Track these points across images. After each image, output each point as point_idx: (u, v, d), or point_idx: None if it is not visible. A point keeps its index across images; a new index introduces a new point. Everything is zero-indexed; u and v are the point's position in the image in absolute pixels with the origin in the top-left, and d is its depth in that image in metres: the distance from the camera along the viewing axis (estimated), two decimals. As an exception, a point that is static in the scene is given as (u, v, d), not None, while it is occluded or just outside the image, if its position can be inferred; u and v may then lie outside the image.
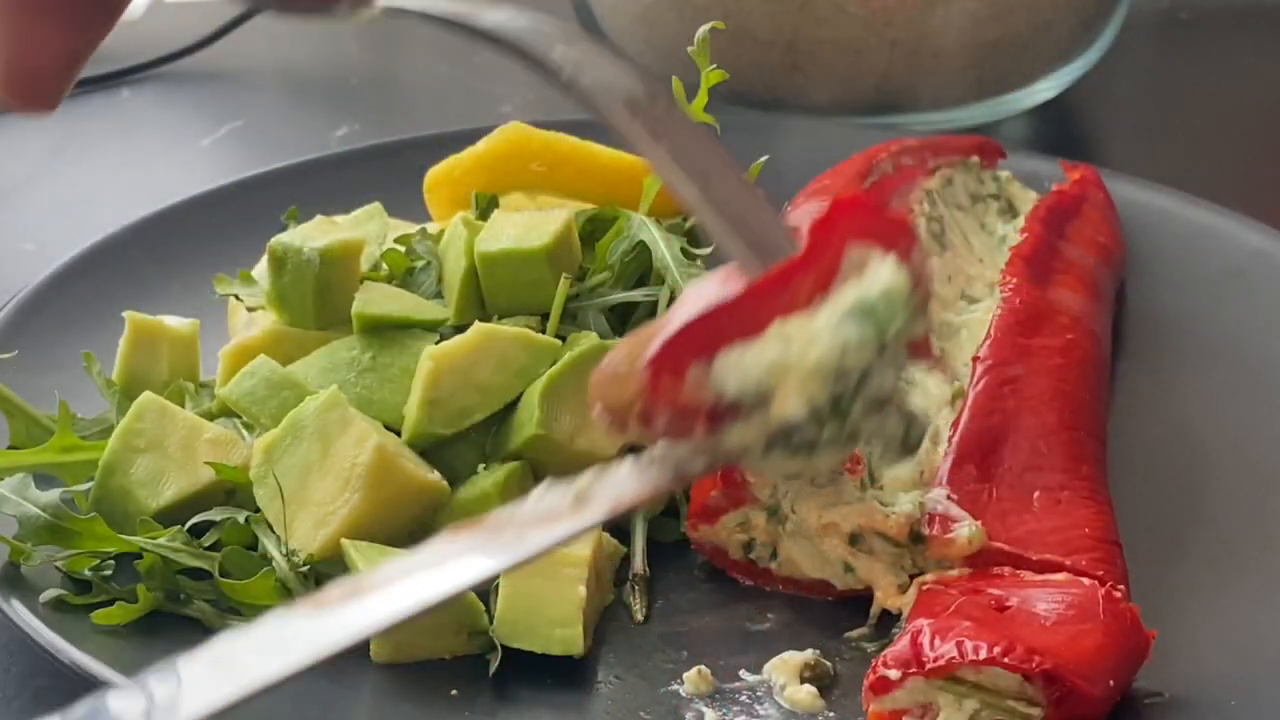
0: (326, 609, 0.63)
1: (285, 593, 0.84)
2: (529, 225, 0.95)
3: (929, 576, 0.84)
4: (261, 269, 0.97)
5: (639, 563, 0.88)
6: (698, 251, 0.97)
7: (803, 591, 0.88)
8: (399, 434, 0.89)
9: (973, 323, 0.95)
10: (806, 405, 0.65)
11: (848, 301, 0.66)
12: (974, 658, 0.76)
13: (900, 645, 0.78)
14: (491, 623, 0.83)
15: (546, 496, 0.67)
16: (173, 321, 0.96)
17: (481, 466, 0.89)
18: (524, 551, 0.65)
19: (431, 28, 0.72)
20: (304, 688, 0.81)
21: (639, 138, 0.66)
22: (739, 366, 0.66)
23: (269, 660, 0.61)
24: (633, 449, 0.74)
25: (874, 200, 0.69)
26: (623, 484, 0.67)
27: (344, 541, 0.84)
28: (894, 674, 0.77)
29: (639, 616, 0.86)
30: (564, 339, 0.93)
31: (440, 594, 0.64)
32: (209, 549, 0.86)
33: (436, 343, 0.91)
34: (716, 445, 0.67)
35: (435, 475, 0.88)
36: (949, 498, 0.85)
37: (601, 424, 0.69)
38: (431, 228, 1.02)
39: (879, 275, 0.66)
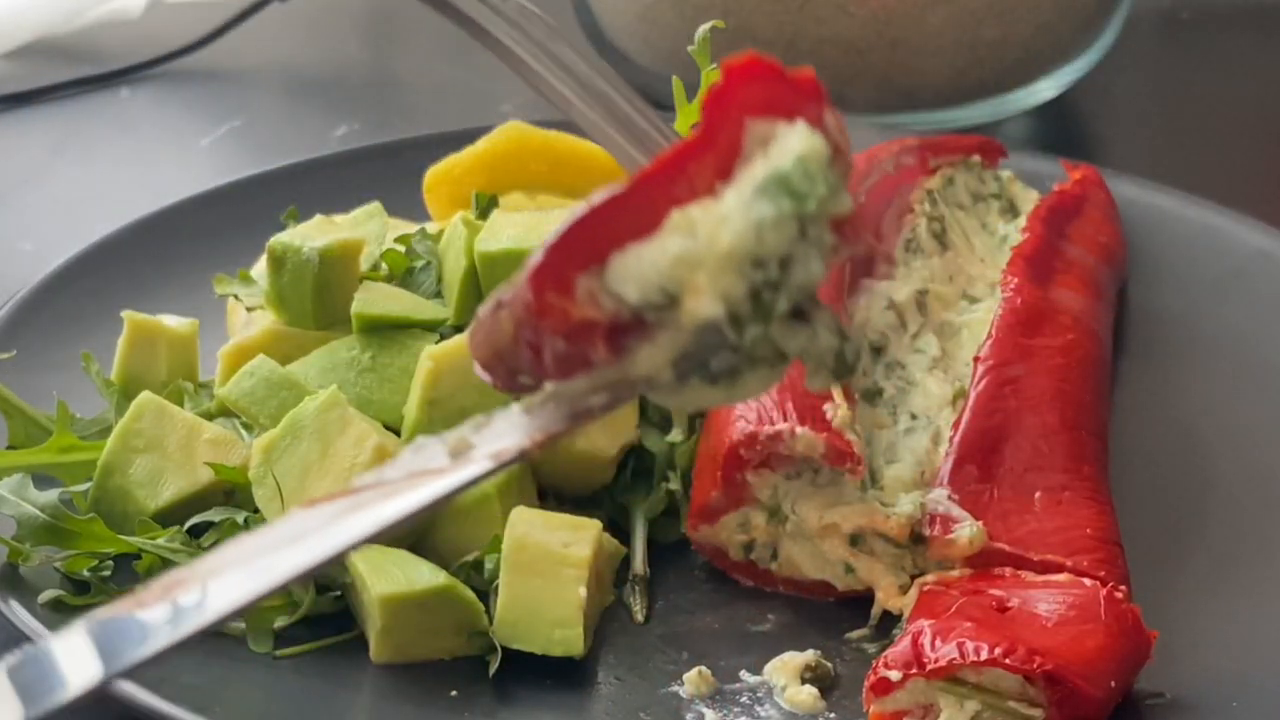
0: (147, 608, 0.57)
1: (284, 593, 0.84)
2: (529, 225, 0.95)
3: (930, 577, 0.84)
4: (260, 269, 0.97)
5: (639, 563, 0.88)
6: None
7: (803, 592, 0.88)
8: (398, 434, 0.89)
9: (974, 322, 0.95)
10: (722, 301, 0.56)
11: (758, 177, 0.57)
12: (975, 659, 0.76)
13: (901, 646, 0.77)
14: (491, 623, 0.83)
15: (421, 452, 0.59)
16: (171, 321, 0.96)
17: (481, 467, 0.88)
18: (386, 518, 0.56)
19: None
20: (304, 688, 0.81)
21: (516, 52, 0.64)
22: (637, 267, 0.57)
23: None
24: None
25: (770, 63, 0.57)
26: (507, 431, 0.58)
27: (343, 542, 0.84)
28: (895, 675, 0.77)
29: (639, 617, 0.86)
30: (564, 339, 0.92)
31: (285, 575, 0.56)
32: (208, 549, 0.86)
33: (436, 342, 0.91)
34: (620, 373, 0.58)
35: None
36: (950, 498, 0.85)
37: (486, 378, 0.60)
38: (431, 227, 1.01)
39: (789, 143, 0.57)
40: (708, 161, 0.58)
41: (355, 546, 0.56)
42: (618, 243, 0.57)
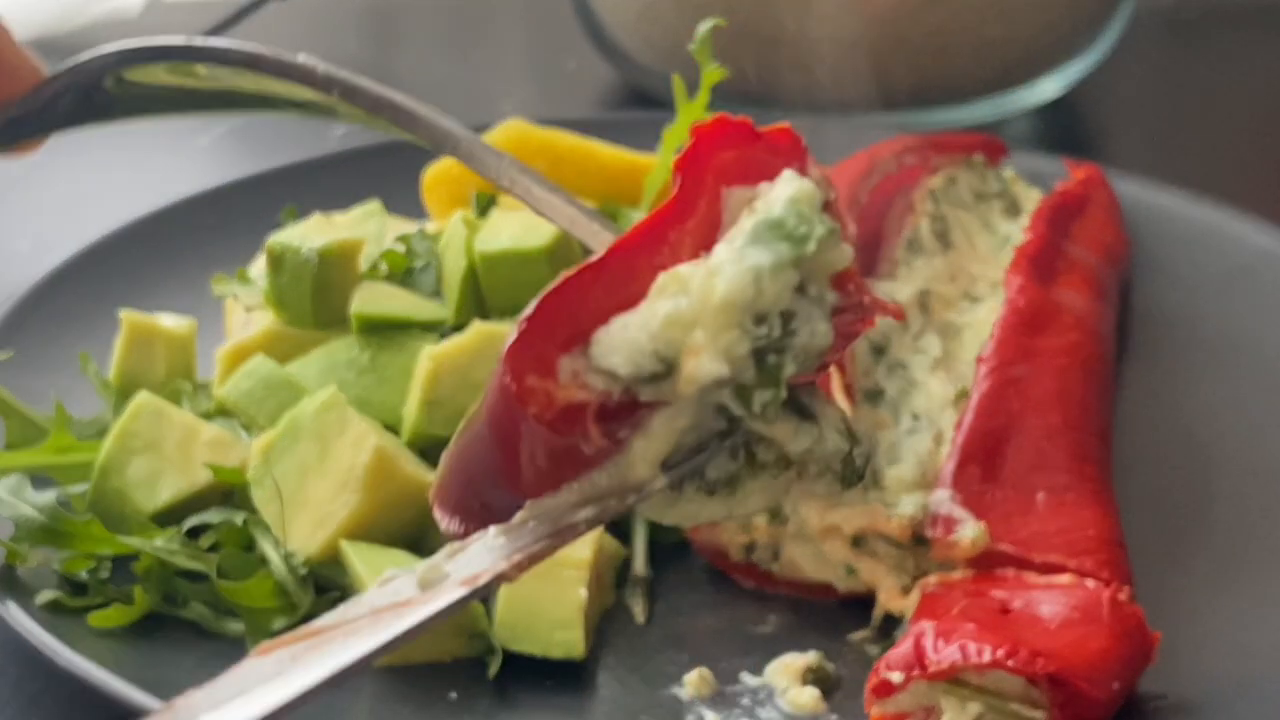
0: None
1: (283, 595, 0.83)
2: (528, 225, 0.94)
3: (932, 578, 0.84)
4: (259, 268, 0.97)
5: (640, 564, 0.88)
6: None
7: (804, 594, 0.88)
8: (398, 434, 0.89)
9: (976, 323, 0.95)
10: (724, 359, 0.51)
11: (748, 228, 0.52)
12: (978, 660, 0.75)
13: (903, 648, 0.77)
14: (491, 625, 0.82)
15: (388, 585, 0.54)
16: (169, 321, 0.96)
17: (481, 467, 0.88)
18: (342, 663, 0.50)
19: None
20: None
21: (490, 164, 0.62)
22: (624, 336, 0.51)
23: None
24: None
25: (742, 124, 0.52)
26: (483, 556, 0.53)
27: (343, 543, 0.84)
28: (897, 677, 0.76)
29: (640, 619, 0.86)
30: (564, 339, 0.92)
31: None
32: (207, 551, 0.86)
33: (436, 342, 0.91)
34: (610, 479, 0.52)
35: (435, 476, 0.87)
36: (953, 499, 0.84)
37: (453, 528, 0.53)
38: (431, 227, 1.01)
39: (778, 191, 0.52)
40: (688, 229, 0.53)
41: (310, 698, 0.50)
42: (600, 315, 0.52)
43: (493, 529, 0.53)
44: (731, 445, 0.53)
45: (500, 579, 0.52)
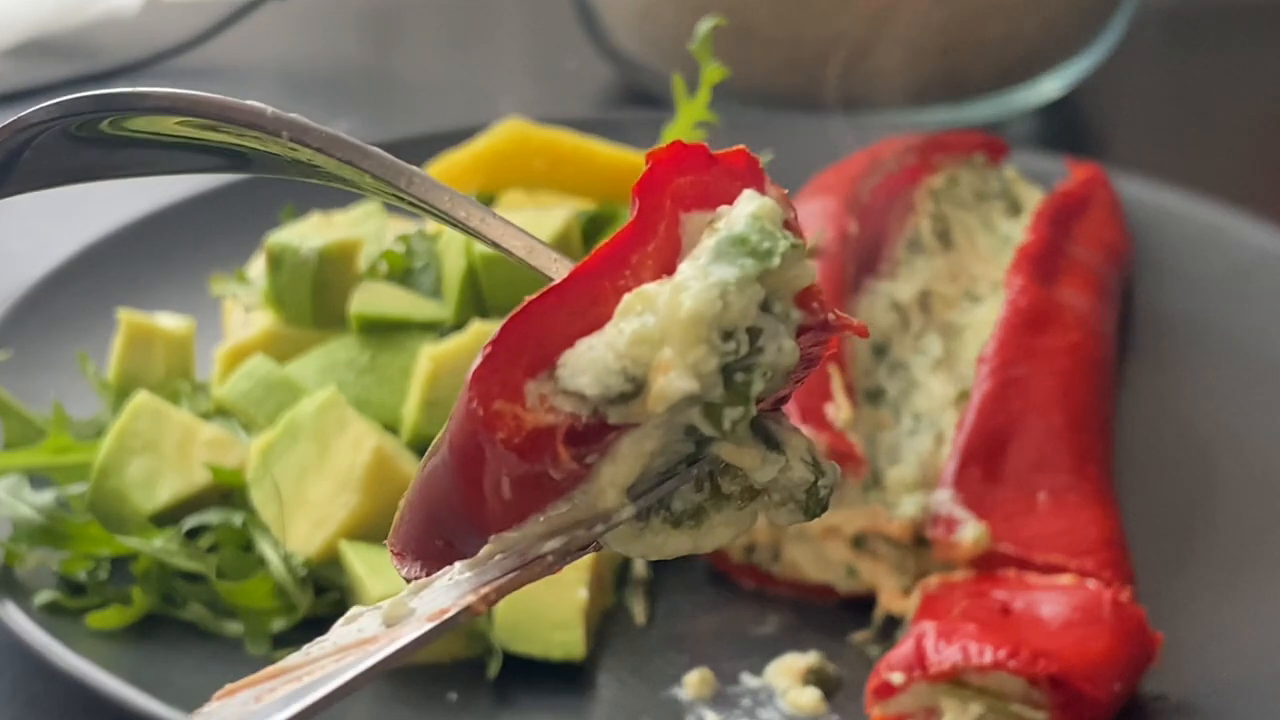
0: None
1: (282, 596, 0.83)
2: (528, 224, 0.94)
3: (933, 579, 0.83)
4: (258, 268, 0.97)
5: (640, 565, 0.88)
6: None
7: (805, 595, 0.88)
8: (398, 434, 0.89)
9: (977, 323, 0.94)
10: (693, 374, 0.50)
11: (710, 246, 0.52)
12: (979, 661, 0.75)
13: (904, 649, 0.77)
14: (491, 626, 0.82)
15: (353, 623, 0.53)
16: (168, 321, 0.96)
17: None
18: (307, 703, 0.49)
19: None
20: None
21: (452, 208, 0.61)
22: (591, 356, 0.51)
23: None
24: None
25: (698, 150, 0.53)
26: (449, 590, 0.52)
27: (342, 543, 0.83)
28: (898, 678, 0.76)
29: (640, 619, 0.86)
30: (564, 339, 0.92)
31: None
32: (206, 551, 0.85)
33: (435, 342, 0.90)
34: (578, 509, 0.52)
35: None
36: (954, 499, 0.84)
37: (413, 571, 0.53)
38: (430, 227, 1.01)
39: (739, 209, 0.53)
40: (649, 252, 0.53)
41: None
42: (565, 339, 0.51)
43: (458, 564, 0.52)
44: (698, 475, 0.53)
45: (468, 613, 0.51)
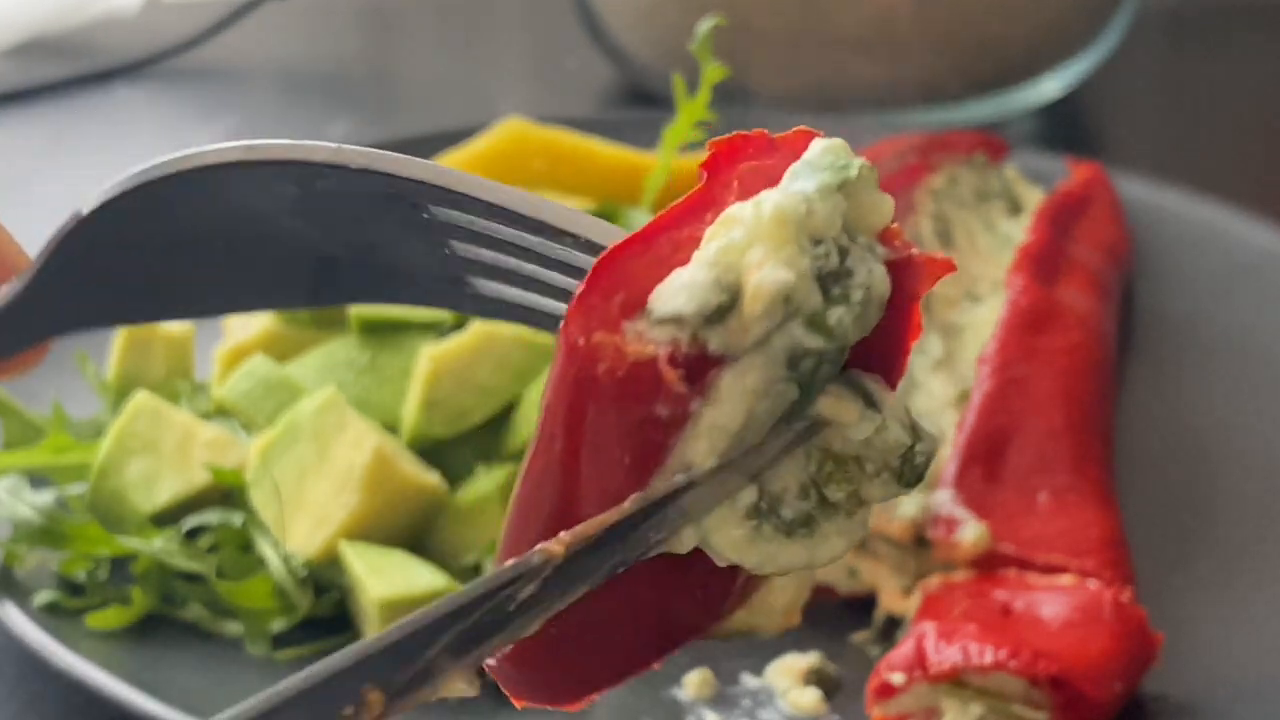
0: None
1: (282, 596, 0.83)
2: (528, 224, 0.94)
3: (934, 579, 0.83)
4: (258, 268, 0.97)
5: (640, 565, 0.88)
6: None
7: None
8: (398, 434, 0.88)
9: (978, 323, 0.94)
10: (788, 265, 0.50)
11: (786, 176, 0.52)
12: (979, 662, 0.75)
13: (905, 649, 0.77)
14: (491, 626, 0.82)
15: None
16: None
17: (481, 468, 0.88)
18: None
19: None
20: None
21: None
22: (681, 279, 0.50)
23: None
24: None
25: (758, 134, 0.52)
26: None
27: (342, 544, 0.83)
28: (898, 678, 0.76)
29: (640, 620, 0.86)
30: (564, 339, 0.92)
31: None
32: (205, 552, 0.85)
33: (436, 342, 0.90)
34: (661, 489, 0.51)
35: (434, 477, 0.87)
36: (954, 500, 0.84)
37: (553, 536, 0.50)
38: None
39: (808, 152, 0.53)
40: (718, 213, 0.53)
41: None
42: (652, 281, 0.51)
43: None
44: (798, 434, 0.51)
45: (543, 553, 0.50)
